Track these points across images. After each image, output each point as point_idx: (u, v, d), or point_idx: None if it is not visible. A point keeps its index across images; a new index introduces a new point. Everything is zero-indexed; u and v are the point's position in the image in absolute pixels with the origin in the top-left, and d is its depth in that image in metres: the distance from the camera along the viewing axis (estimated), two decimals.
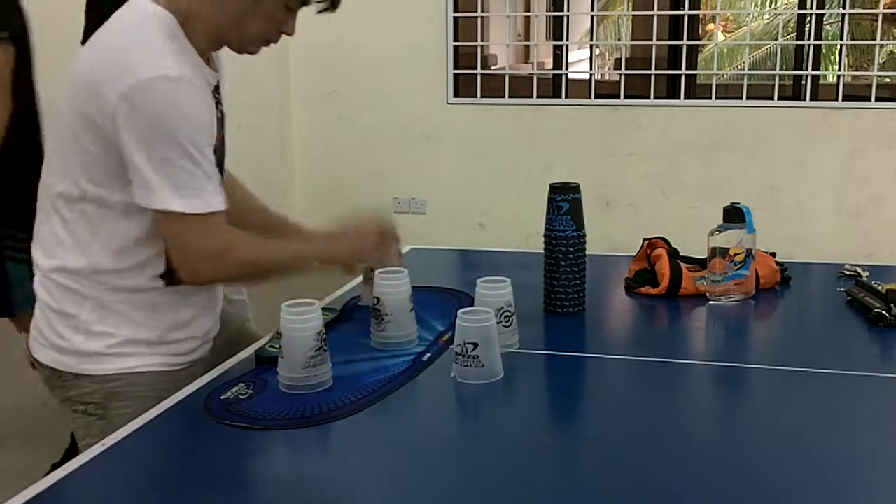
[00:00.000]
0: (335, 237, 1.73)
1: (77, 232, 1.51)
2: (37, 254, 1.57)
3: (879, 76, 4.91)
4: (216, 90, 1.59)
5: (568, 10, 5.00)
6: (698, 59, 5.32)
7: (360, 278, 1.82)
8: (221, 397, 1.43)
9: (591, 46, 5.28)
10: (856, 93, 4.84)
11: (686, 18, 4.88)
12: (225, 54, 1.63)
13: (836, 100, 4.78)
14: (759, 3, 10.21)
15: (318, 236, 1.76)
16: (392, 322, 1.64)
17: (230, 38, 1.53)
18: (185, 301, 1.58)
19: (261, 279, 1.70)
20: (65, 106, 1.47)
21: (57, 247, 1.53)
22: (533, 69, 5.25)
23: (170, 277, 1.54)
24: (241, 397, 1.43)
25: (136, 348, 1.54)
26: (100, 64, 1.43)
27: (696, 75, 5.05)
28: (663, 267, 1.95)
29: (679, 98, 4.93)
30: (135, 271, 1.52)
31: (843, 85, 4.78)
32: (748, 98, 4.86)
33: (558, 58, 5.11)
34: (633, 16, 5.29)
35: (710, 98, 4.91)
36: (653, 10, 4.93)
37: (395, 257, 1.75)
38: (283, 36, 1.56)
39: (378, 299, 1.64)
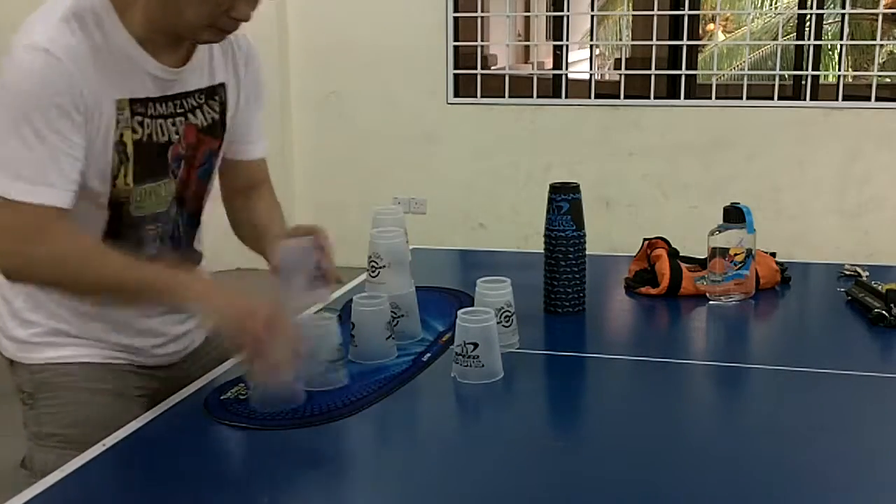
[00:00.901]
0: (219, 296, 1.39)
1: None
2: None
3: (879, 76, 4.91)
4: (204, 93, 1.50)
5: (568, 10, 5.01)
6: (698, 59, 5.33)
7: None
8: (221, 397, 1.43)
9: (591, 46, 5.28)
10: (856, 93, 4.84)
11: (686, 18, 4.89)
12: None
13: (836, 100, 4.79)
14: (759, 3, 10.21)
15: (193, 279, 1.45)
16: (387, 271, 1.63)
17: (171, 23, 1.40)
18: (117, 312, 1.51)
19: (78, 286, 1.42)
20: None
21: None
22: (533, 69, 5.25)
23: None
24: (241, 397, 1.42)
25: (64, 339, 1.49)
26: None
27: (696, 75, 5.06)
28: (663, 267, 1.95)
29: (679, 98, 4.93)
30: None
31: (843, 85, 4.78)
32: (748, 98, 4.87)
33: (558, 58, 5.11)
34: (633, 16, 5.30)
35: (710, 98, 4.91)
36: (653, 10, 4.93)
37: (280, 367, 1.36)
38: (242, 23, 1.42)
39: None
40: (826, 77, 5.90)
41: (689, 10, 4.91)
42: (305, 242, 1.47)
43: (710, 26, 6.89)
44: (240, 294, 1.37)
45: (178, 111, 1.47)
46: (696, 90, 5.01)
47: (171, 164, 1.48)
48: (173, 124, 1.46)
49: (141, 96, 1.42)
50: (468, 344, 1.46)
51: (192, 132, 1.50)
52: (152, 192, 1.46)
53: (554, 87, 5.14)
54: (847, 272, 2.09)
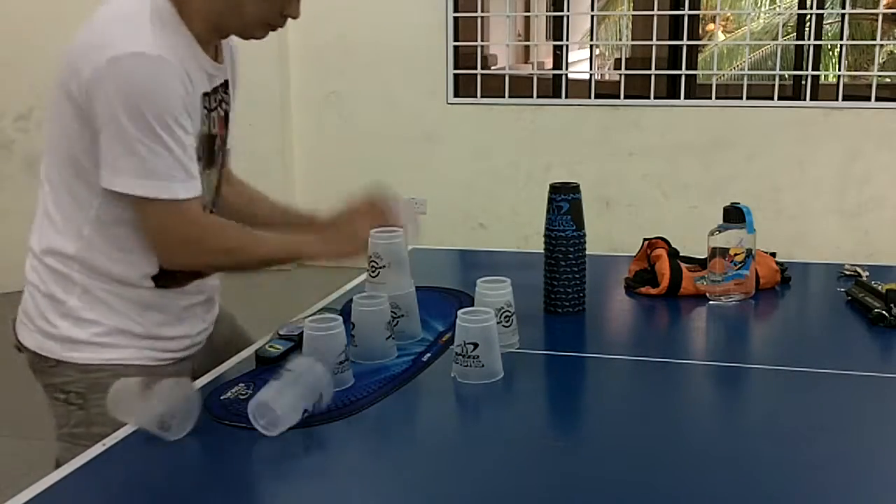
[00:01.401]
0: (329, 236, 1.68)
1: (68, 214, 1.48)
2: (31, 238, 1.55)
3: (879, 76, 4.91)
4: (224, 87, 1.57)
5: (568, 10, 5.01)
6: (698, 59, 5.33)
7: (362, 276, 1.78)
8: (221, 397, 1.43)
9: (591, 46, 5.28)
10: (856, 93, 4.84)
11: (686, 18, 4.89)
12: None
13: (836, 100, 4.79)
14: (759, 3, 10.21)
15: (311, 236, 1.69)
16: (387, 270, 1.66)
17: (229, 22, 1.49)
18: (175, 300, 1.57)
19: (244, 268, 1.68)
20: (53, 83, 1.45)
21: (49, 228, 1.50)
22: (533, 69, 5.26)
23: (161, 280, 1.53)
24: (241, 397, 1.42)
25: (123, 339, 1.52)
26: (83, 41, 1.41)
27: (696, 75, 5.06)
28: (663, 267, 1.95)
29: (679, 98, 4.94)
30: (125, 264, 1.50)
31: (843, 85, 4.78)
32: (748, 98, 4.87)
33: (558, 58, 5.11)
34: (633, 16, 5.30)
35: (710, 98, 4.91)
36: (653, 10, 4.93)
37: (397, 218, 1.69)
38: (289, 20, 1.54)
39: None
40: (826, 77, 5.90)
41: (689, 10, 4.92)
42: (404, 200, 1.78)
43: (710, 26, 6.89)
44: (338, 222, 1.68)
45: (218, 104, 1.57)
46: (696, 90, 5.01)
47: (217, 153, 1.59)
48: (217, 116, 1.56)
49: (207, 90, 1.51)
50: (468, 344, 1.46)
51: (221, 124, 1.59)
52: (206, 180, 1.55)
53: (554, 87, 5.14)
54: (847, 272, 2.09)
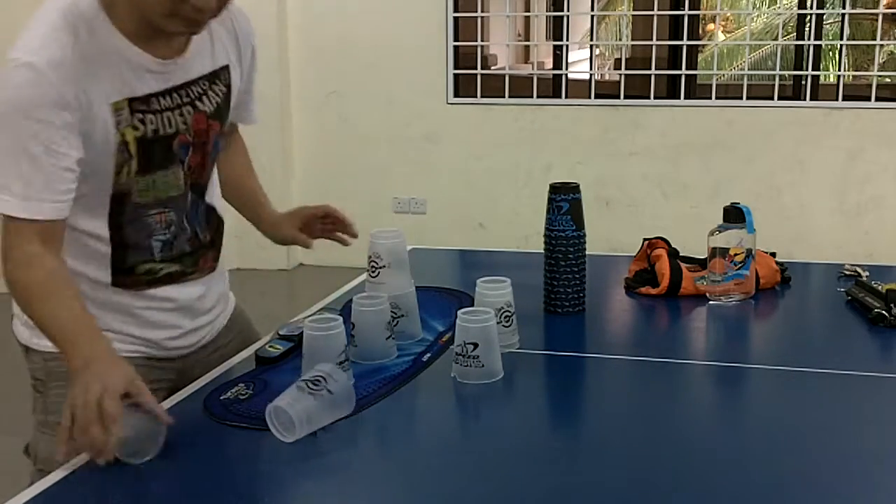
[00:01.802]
0: (94, 368, 1.30)
1: None
2: None
3: (879, 76, 4.91)
4: (210, 78, 1.51)
5: (568, 10, 5.01)
6: (698, 59, 5.33)
7: None
8: (221, 397, 1.43)
9: (591, 46, 5.28)
10: (856, 93, 4.85)
11: (686, 18, 4.89)
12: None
13: (836, 100, 4.79)
14: (759, 3, 10.21)
15: (73, 348, 1.36)
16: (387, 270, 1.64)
17: (142, 16, 1.38)
18: (132, 301, 1.52)
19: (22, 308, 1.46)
20: None
21: None
22: (533, 69, 5.26)
23: (116, 279, 1.50)
24: (241, 397, 1.43)
25: None
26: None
27: (696, 75, 5.06)
28: (663, 267, 1.95)
29: (679, 98, 4.94)
30: (80, 261, 1.47)
31: (843, 85, 4.78)
32: (748, 98, 4.87)
33: (558, 58, 5.12)
34: (634, 16, 5.29)
35: (710, 98, 4.91)
36: (653, 10, 4.93)
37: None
38: (202, 11, 1.37)
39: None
40: (826, 77, 5.90)
41: (689, 10, 4.92)
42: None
43: (710, 26, 6.89)
44: (112, 375, 1.28)
45: (185, 101, 1.48)
46: (696, 90, 5.01)
47: (178, 152, 1.50)
48: (181, 115, 1.48)
49: (141, 94, 1.42)
50: (468, 344, 1.46)
51: (201, 119, 1.52)
52: (158, 180, 1.48)
53: (554, 87, 5.14)
54: (847, 272, 2.09)
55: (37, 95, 1.32)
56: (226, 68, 1.55)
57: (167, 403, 1.43)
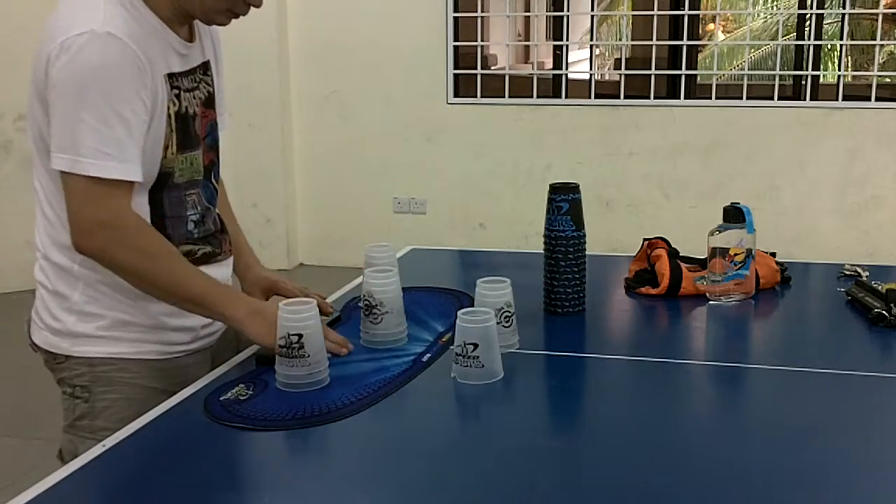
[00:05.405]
0: (255, 317, 1.50)
1: (60, 209, 1.47)
2: (35, 237, 1.55)
3: (879, 76, 4.91)
4: (203, 68, 1.57)
5: (568, 10, 5.01)
6: (698, 59, 5.33)
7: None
8: (221, 398, 1.43)
9: (591, 46, 5.28)
10: (856, 93, 4.85)
11: (686, 18, 4.89)
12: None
13: (836, 100, 4.79)
14: (759, 3, 10.21)
15: (236, 300, 1.54)
16: (389, 316, 1.63)
17: (191, 6, 1.48)
18: None
19: (152, 284, 1.48)
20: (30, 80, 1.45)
21: (47, 226, 1.51)
22: (533, 69, 5.25)
23: None
24: (241, 398, 1.42)
25: (127, 332, 1.53)
26: (45, 30, 1.41)
27: (696, 75, 5.06)
28: (663, 267, 1.95)
29: (679, 98, 4.94)
30: None
31: (843, 85, 4.78)
32: (748, 98, 4.87)
33: (558, 58, 5.12)
34: (634, 16, 5.30)
35: (710, 98, 4.91)
36: (653, 10, 4.94)
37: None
38: (252, 8, 1.50)
39: (371, 296, 1.63)
40: (826, 77, 5.90)
41: (689, 10, 4.92)
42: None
43: (710, 26, 6.89)
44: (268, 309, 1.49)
45: (194, 85, 1.56)
46: (696, 90, 5.01)
47: (200, 134, 1.56)
48: (194, 98, 1.55)
49: (175, 71, 1.50)
50: (468, 344, 1.46)
51: (202, 105, 1.58)
52: (189, 160, 1.54)
53: (554, 87, 5.14)
54: (847, 272, 2.09)
55: (125, 61, 1.38)
56: (208, 63, 1.62)
57: (166, 405, 1.43)
